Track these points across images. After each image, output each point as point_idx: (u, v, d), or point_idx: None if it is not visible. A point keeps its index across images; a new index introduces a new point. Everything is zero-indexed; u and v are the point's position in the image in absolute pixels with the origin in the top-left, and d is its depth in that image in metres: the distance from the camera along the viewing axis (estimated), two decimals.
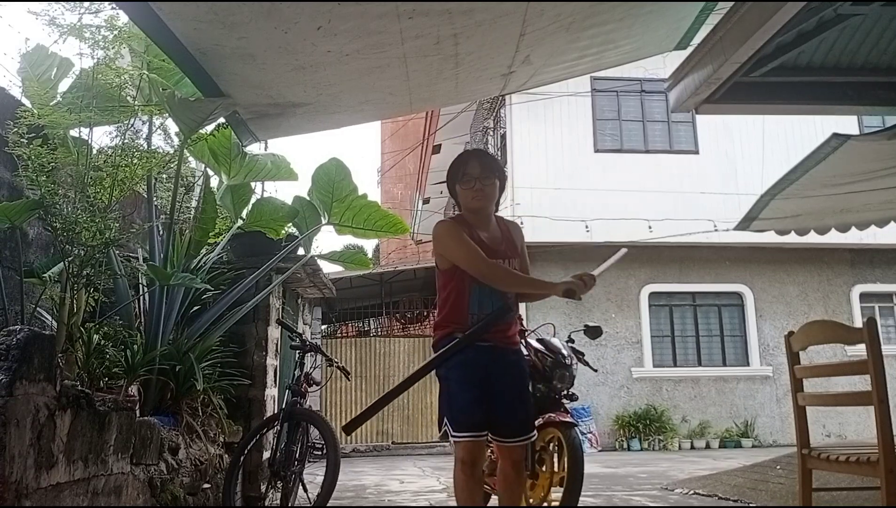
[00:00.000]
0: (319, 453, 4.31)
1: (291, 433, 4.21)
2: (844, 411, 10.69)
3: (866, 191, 4.69)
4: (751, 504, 4.46)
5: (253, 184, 5.45)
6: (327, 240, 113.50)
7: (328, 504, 3.89)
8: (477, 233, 2.70)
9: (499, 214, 2.92)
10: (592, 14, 3.18)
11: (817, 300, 11.93)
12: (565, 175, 11.28)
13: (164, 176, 5.03)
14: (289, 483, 4.20)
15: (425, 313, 14.65)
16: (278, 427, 4.22)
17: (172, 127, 4.56)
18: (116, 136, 4.04)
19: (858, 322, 10.49)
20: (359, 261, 6.18)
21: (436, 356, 2.67)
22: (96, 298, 3.70)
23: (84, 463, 2.78)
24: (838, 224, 5.34)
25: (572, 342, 3.98)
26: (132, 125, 4.10)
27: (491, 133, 12.83)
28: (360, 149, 58.52)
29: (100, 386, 3.45)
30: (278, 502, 4.28)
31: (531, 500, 3.63)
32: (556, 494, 3.52)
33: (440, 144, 14.77)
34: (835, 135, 3.95)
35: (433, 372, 2.72)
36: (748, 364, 11.67)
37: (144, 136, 4.43)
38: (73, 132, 3.96)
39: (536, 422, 3.19)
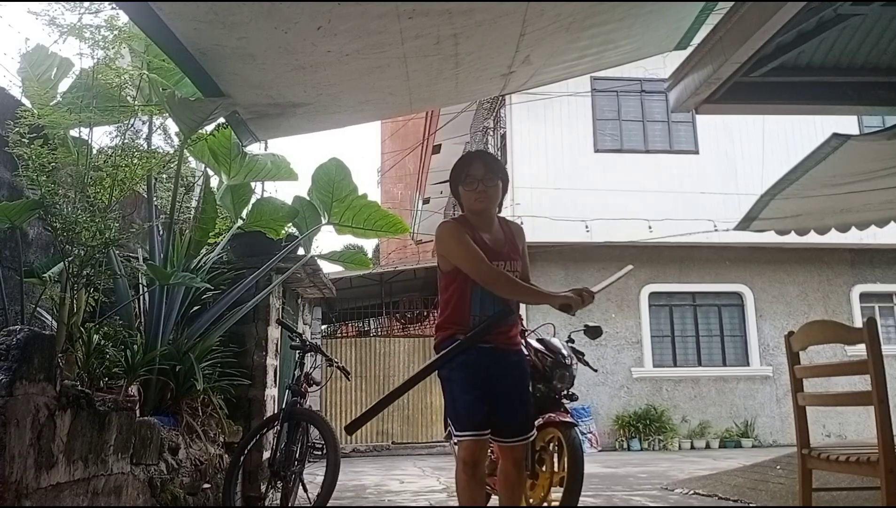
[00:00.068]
0: (319, 453, 4.31)
1: (291, 433, 4.21)
2: (844, 411, 10.69)
3: (866, 191, 4.69)
4: (751, 504, 4.46)
5: (253, 184, 5.45)
6: (327, 240, 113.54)
7: (328, 504, 3.89)
8: (479, 234, 2.70)
9: (501, 214, 2.92)
10: (592, 14, 3.18)
11: (817, 300, 11.93)
12: (565, 175, 11.28)
13: (164, 176, 5.02)
14: (289, 483, 4.20)
15: (425, 314, 14.65)
16: (278, 427, 4.22)
17: (172, 127, 4.57)
18: (116, 136, 4.04)
19: (858, 322, 10.49)
20: (359, 261, 6.18)
21: (438, 357, 2.67)
22: (96, 298, 3.71)
23: (84, 463, 2.78)
24: (838, 224, 5.34)
25: (572, 342, 3.98)
26: (132, 125, 4.10)
27: (491, 133, 12.83)
28: (360, 149, 58.56)
29: (100, 386, 3.45)
30: (278, 502, 4.28)
31: (531, 500, 3.63)
32: (556, 494, 3.52)
33: (440, 144, 14.77)
34: (835, 135, 3.95)
35: (435, 373, 2.72)
36: (748, 364, 11.67)
37: (144, 136, 4.43)
38: (73, 132, 3.96)
39: (536, 422, 3.19)
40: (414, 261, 14.72)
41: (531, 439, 2.83)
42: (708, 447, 10.99)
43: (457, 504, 2.67)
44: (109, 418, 3.03)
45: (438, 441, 11.33)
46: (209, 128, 4.37)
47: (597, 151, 11.55)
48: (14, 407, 2.25)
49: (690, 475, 6.54)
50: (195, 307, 4.66)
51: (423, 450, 11.43)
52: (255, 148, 4.93)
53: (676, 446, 10.93)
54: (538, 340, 3.88)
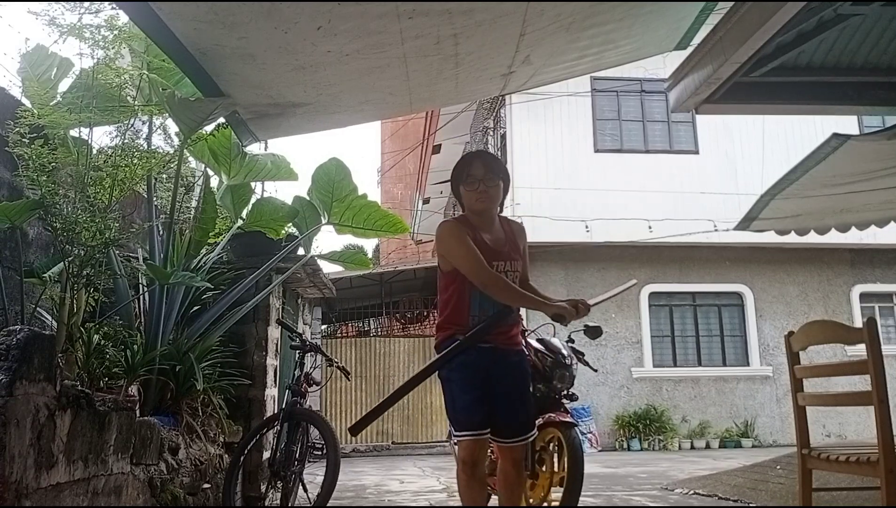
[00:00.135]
0: (319, 453, 4.31)
1: (291, 433, 4.21)
2: (844, 411, 10.69)
3: (866, 191, 4.69)
4: (751, 504, 4.46)
5: (253, 184, 5.45)
6: (327, 240, 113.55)
7: (328, 504, 3.89)
8: (480, 235, 2.70)
9: (503, 214, 2.92)
10: (592, 14, 3.18)
11: (817, 300, 11.93)
12: (565, 175, 11.28)
13: (164, 176, 5.02)
14: (289, 483, 4.20)
15: (425, 314, 14.65)
16: (278, 427, 4.22)
17: (172, 127, 4.56)
18: (116, 136, 4.04)
19: (858, 322, 10.49)
20: (359, 261, 6.18)
21: (438, 357, 2.67)
22: (96, 298, 3.70)
23: (84, 463, 2.78)
24: (838, 224, 5.34)
25: (572, 342, 3.98)
26: (132, 125, 4.10)
27: (491, 133, 12.83)
28: (360, 149, 58.57)
29: (100, 386, 3.45)
30: (278, 502, 4.28)
31: (531, 500, 3.63)
32: (556, 494, 3.52)
33: (440, 144, 14.76)
34: (835, 135, 3.95)
35: (436, 373, 2.73)
36: (748, 364, 11.67)
37: (144, 136, 4.43)
38: (73, 132, 3.95)
39: (536, 422, 3.19)
40: (414, 261, 14.72)
41: (531, 439, 2.83)
42: (708, 447, 11.00)
43: (457, 504, 2.67)
44: (109, 418, 3.03)
45: (438, 441, 11.33)
46: (209, 128, 4.37)
47: (597, 151, 11.55)
48: (14, 407, 2.25)
49: (690, 475, 6.54)
50: (195, 307, 4.66)
51: (423, 450, 11.43)
52: (255, 148, 4.93)
53: (676, 446, 10.93)
54: (538, 340, 3.88)
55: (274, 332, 5.50)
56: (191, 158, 5.17)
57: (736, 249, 11.35)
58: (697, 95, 3.76)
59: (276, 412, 4.71)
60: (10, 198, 3.74)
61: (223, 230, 5.21)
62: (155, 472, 3.58)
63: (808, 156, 4.25)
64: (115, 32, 3.81)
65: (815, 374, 3.37)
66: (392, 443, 11.76)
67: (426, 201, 17.36)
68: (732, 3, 3.28)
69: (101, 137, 4.47)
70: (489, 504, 3.40)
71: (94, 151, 3.93)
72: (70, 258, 3.52)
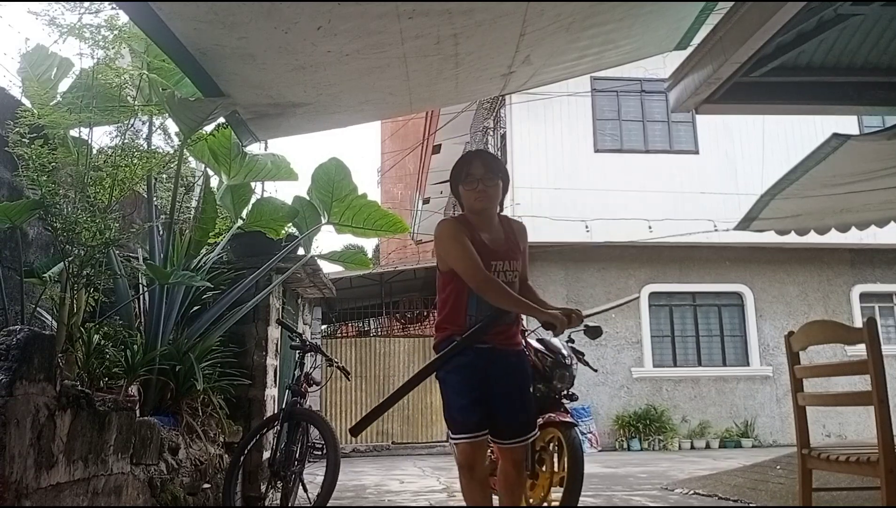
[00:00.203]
0: (319, 453, 4.31)
1: (291, 433, 4.21)
2: (844, 411, 10.69)
3: (866, 191, 4.69)
4: (751, 504, 4.46)
5: (253, 184, 5.45)
6: (327, 240, 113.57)
7: (328, 504, 3.89)
8: (478, 234, 2.68)
9: (504, 214, 2.91)
10: (592, 14, 3.18)
11: (817, 300, 11.94)
12: (565, 175, 11.29)
13: (164, 176, 5.03)
14: (289, 483, 4.20)
15: (425, 314, 14.65)
16: (278, 427, 4.22)
17: (172, 127, 4.57)
18: (116, 136, 4.04)
19: (858, 322, 10.49)
20: (359, 261, 6.18)
21: (435, 358, 2.67)
22: (96, 298, 3.70)
23: (84, 463, 2.78)
24: (838, 224, 5.34)
25: (572, 342, 3.98)
26: (132, 125, 4.10)
27: (491, 133, 12.83)
28: (360, 149, 58.57)
29: (100, 386, 3.45)
30: (278, 502, 4.28)
31: (531, 500, 3.63)
32: (556, 494, 3.52)
33: (440, 144, 14.76)
34: (835, 135, 3.95)
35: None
36: (748, 364, 11.67)
37: (144, 136, 4.43)
38: (73, 132, 3.95)
39: (537, 422, 3.19)
40: (414, 261, 14.72)
41: (532, 439, 2.82)
42: (708, 447, 11.00)
43: (457, 503, 2.67)
44: (109, 418, 3.03)
45: (438, 441, 11.34)
46: (209, 128, 4.37)
47: (597, 151, 11.56)
48: (14, 407, 2.25)
49: (690, 475, 6.54)
50: (195, 307, 4.66)
51: (423, 450, 11.43)
52: (255, 148, 4.93)
53: (676, 446, 10.93)
54: (538, 340, 3.87)
55: (274, 332, 5.51)
56: (191, 158, 5.17)
57: (736, 249, 11.35)
58: (697, 95, 3.76)
59: (276, 412, 4.71)
60: (10, 198, 3.74)
61: (223, 230, 5.22)
62: (155, 472, 3.58)
63: (808, 156, 4.25)
64: (115, 32, 3.81)
65: (815, 374, 3.37)
66: (392, 443, 11.76)
67: (426, 201, 17.36)
68: (732, 3, 3.28)
69: (101, 137, 4.49)
70: (492, 505, 3.40)
71: (94, 151, 3.93)
72: (70, 258, 3.52)
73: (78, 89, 3.87)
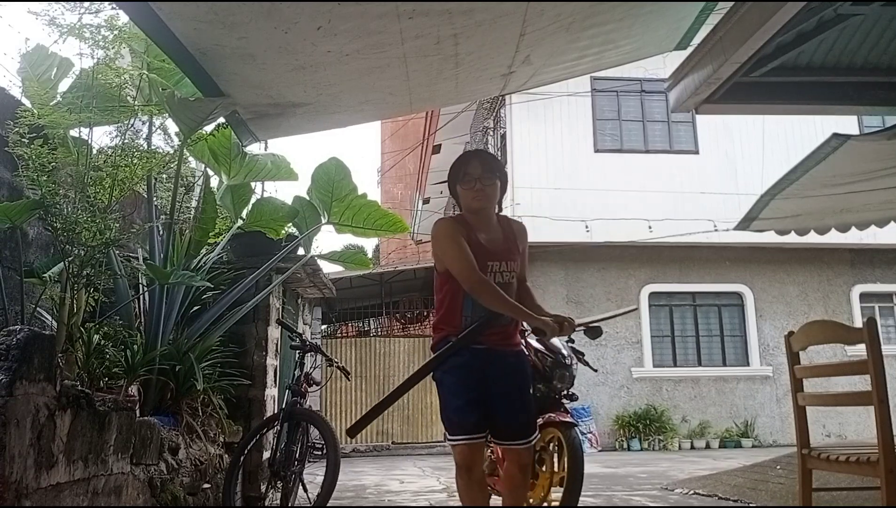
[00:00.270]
0: (319, 453, 4.31)
1: (291, 433, 4.21)
2: (844, 411, 10.69)
3: (866, 191, 4.69)
4: (751, 504, 4.46)
5: (253, 184, 5.45)
6: (327, 240, 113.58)
7: (328, 504, 3.89)
8: (475, 235, 2.67)
9: (503, 214, 2.90)
10: (592, 14, 3.18)
11: (817, 300, 11.94)
12: (565, 175, 11.29)
13: (164, 176, 5.03)
14: (289, 483, 4.20)
15: (425, 314, 14.66)
16: (278, 427, 4.22)
17: (172, 127, 4.57)
18: (116, 136, 4.04)
19: (858, 322, 10.49)
20: (359, 261, 6.18)
21: (431, 359, 2.66)
22: (96, 298, 3.70)
23: (84, 463, 2.78)
24: (838, 224, 5.34)
25: (572, 342, 3.98)
26: (132, 125, 4.10)
27: (491, 133, 12.83)
28: (360, 149, 58.59)
29: (100, 386, 3.45)
30: (278, 502, 4.28)
31: (531, 500, 3.63)
32: (556, 494, 3.52)
33: (440, 144, 14.76)
34: (835, 135, 3.95)
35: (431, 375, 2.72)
36: (748, 364, 11.67)
37: (144, 136, 4.43)
38: (73, 132, 3.95)
39: (537, 422, 3.19)
40: (414, 261, 14.72)
41: (534, 442, 2.81)
42: (708, 447, 11.00)
43: (457, 503, 2.66)
44: (109, 418, 3.03)
45: (438, 441, 11.33)
46: (209, 128, 4.37)
47: (597, 151, 11.56)
48: (14, 407, 2.25)
49: (690, 475, 6.54)
50: (195, 307, 4.66)
51: (423, 450, 11.43)
52: (255, 148, 4.93)
53: (676, 446, 10.93)
54: (538, 340, 3.87)
55: (274, 332, 5.51)
56: (191, 158, 5.17)
57: (736, 249, 11.35)
58: (697, 95, 3.76)
59: (276, 412, 4.71)
60: (10, 198, 3.74)
61: (223, 230, 5.22)
62: (155, 472, 3.58)
63: (808, 156, 4.25)
64: (115, 32, 3.81)
65: (815, 374, 3.37)
66: (392, 443, 11.76)
67: (426, 201, 17.36)
68: (732, 3, 3.28)
69: (101, 137, 4.48)
70: (490, 505, 3.40)
71: (94, 151, 3.93)
72: (70, 258, 3.52)
73: (78, 89, 3.87)
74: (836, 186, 4.62)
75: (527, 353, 3.47)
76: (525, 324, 2.77)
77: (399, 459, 10.34)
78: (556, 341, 3.88)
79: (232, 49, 2.76)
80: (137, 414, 3.56)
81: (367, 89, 3.64)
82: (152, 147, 4.43)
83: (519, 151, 11.39)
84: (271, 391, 5.41)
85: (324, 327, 13.33)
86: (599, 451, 10.57)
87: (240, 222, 5.21)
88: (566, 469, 3.40)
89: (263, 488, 4.69)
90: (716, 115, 7.11)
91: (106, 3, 3.77)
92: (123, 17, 3.75)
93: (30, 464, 2.34)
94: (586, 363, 3.96)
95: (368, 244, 21.79)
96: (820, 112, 5.46)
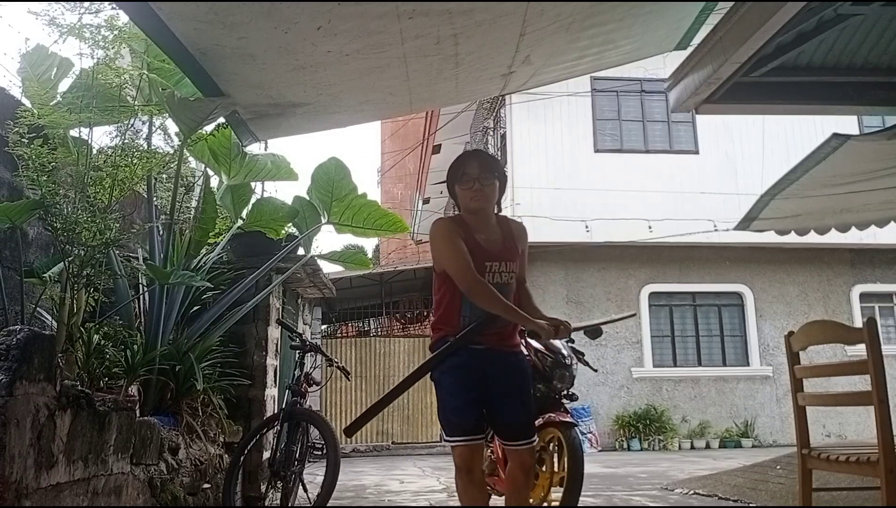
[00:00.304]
0: (319, 453, 4.31)
1: (291, 433, 4.21)
2: (844, 411, 10.69)
3: (866, 191, 4.69)
4: (751, 504, 4.46)
5: (253, 184, 5.46)
6: (327, 240, 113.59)
7: (328, 504, 3.89)
8: (473, 235, 2.66)
9: (503, 214, 2.90)
10: (592, 14, 3.18)
11: (817, 300, 11.94)
12: (565, 175, 11.29)
13: (164, 176, 5.02)
14: (289, 483, 4.20)
15: (425, 314, 14.66)
16: (278, 427, 4.22)
17: (172, 127, 4.57)
18: (116, 136, 4.04)
19: (858, 322, 10.49)
20: (359, 261, 6.18)
21: (429, 358, 2.66)
22: (96, 298, 3.70)
23: (84, 463, 2.78)
24: (838, 224, 5.34)
25: (572, 341, 3.98)
26: (132, 125, 4.10)
27: (491, 133, 12.83)
28: (360, 149, 58.60)
29: (100, 386, 3.45)
30: (278, 502, 4.28)
31: (531, 500, 3.63)
32: (556, 494, 3.52)
33: (440, 144, 14.77)
34: (835, 135, 3.95)
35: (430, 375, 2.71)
36: (748, 364, 11.67)
37: (144, 136, 4.43)
38: (73, 132, 3.95)
39: (536, 422, 3.19)
40: (414, 261, 14.72)
41: (535, 442, 2.81)
42: (708, 447, 11.00)
43: (457, 503, 2.66)
44: (109, 418, 3.03)
45: (438, 441, 11.33)
46: (209, 128, 4.37)
47: (597, 151, 11.56)
48: (14, 407, 2.25)
49: (690, 475, 6.54)
50: (195, 307, 4.66)
51: (423, 450, 11.43)
52: (255, 148, 4.93)
53: (676, 446, 10.93)
54: (538, 340, 3.87)
55: (274, 332, 5.51)
56: (191, 158, 5.17)
57: (736, 249, 11.35)
58: (697, 95, 3.76)
59: (276, 412, 4.71)
60: (10, 198, 3.74)
61: (223, 230, 5.22)
62: (155, 472, 3.59)
63: (808, 156, 4.25)
64: (115, 32, 3.81)
65: (815, 374, 3.37)
66: (392, 443, 11.77)
67: (426, 201, 17.36)
68: (732, 3, 3.28)
69: (101, 137, 4.48)
70: (489, 505, 3.40)
71: (94, 151, 3.93)
72: (70, 258, 3.52)
73: (78, 89, 3.87)
74: (836, 186, 4.62)
75: (527, 353, 3.48)
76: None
77: (399, 459, 10.35)
78: (556, 341, 3.88)
79: (232, 49, 2.76)
80: (137, 414, 3.56)
81: (367, 89, 3.64)
82: (152, 147, 4.43)
83: (519, 151, 11.39)
84: (271, 391, 5.41)
85: (324, 327, 13.33)
86: (599, 451, 10.57)
87: (240, 222, 5.21)
88: (566, 469, 3.40)
89: (263, 488, 4.69)
90: (716, 115, 7.11)
91: (106, 3, 3.77)
92: (123, 17, 3.75)
93: (30, 464, 2.34)
94: (586, 363, 3.96)
95: (368, 244, 21.81)
96: (820, 112, 5.46)
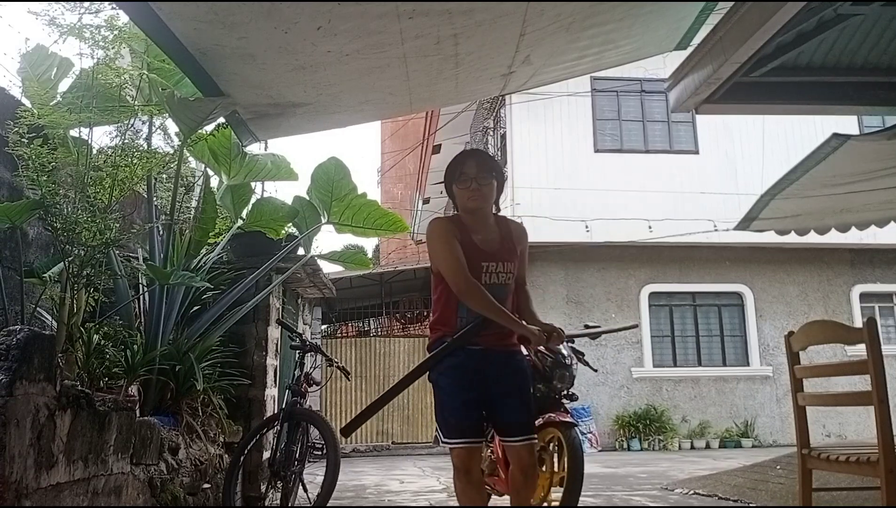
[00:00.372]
0: (319, 453, 4.31)
1: (291, 433, 4.21)
2: (844, 411, 10.69)
3: (866, 191, 4.69)
4: (751, 504, 4.46)
5: (253, 184, 5.46)
6: (327, 240, 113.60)
7: (328, 504, 3.89)
8: (470, 235, 2.64)
9: (502, 214, 2.89)
10: (592, 14, 3.18)
11: (817, 300, 11.94)
12: (565, 175, 11.29)
13: (164, 176, 5.03)
14: (289, 483, 4.20)
15: (425, 314, 14.66)
16: (278, 427, 4.22)
17: (172, 127, 4.56)
18: (116, 136, 4.04)
19: (858, 322, 10.49)
20: (359, 261, 6.18)
21: (427, 359, 2.65)
22: (96, 298, 3.70)
23: (84, 463, 2.78)
24: (838, 224, 5.34)
25: (572, 341, 3.98)
26: (132, 125, 4.10)
27: (491, 133, 12.83)
28: (360, 149, 58.61)
29: (100, 386, 3.45)
30: (278, 502, 4.28)
31: (531, 500, 3.63)
32: (556, 494, 3.52)
33: (440, 144, 14.77)
34: (835, 135, 3.95)
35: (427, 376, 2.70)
36: (748, 364, 11.67)
37: (144, 136, 4.43)
38: (73, 132, 3.96)
39: (536, 422, 3.19)
40: (414, 261, 14.73)
41: (534, 440, 2.80)
42: (708, 447, 11.00)
43: (457, 503, 2.66)
44: (109, 418, 3.03)
45: (435, 443, 11.32)
46: (209, 128, 4.37)
47: (597, 151, 11.56)
48: (14, 407, 2.25)
49: (690, 475, 6.54)
50: (195, 307, 4.66)
51: (423, 450, 11.43)
52: (255, 148, 4.93)
53: (676, 446, 10.93)
54: None
55: (274, 332, 5.51)
56: (191, 158, 5.18)
57: (736, 249, 11.35)
58: (697, 95, 3.76)
59: (276, 412, 4.71)
60: (10, 198, 3.74)
61: (223, 230, 5.22)
62: (155, 472, 3.59)
63: (808, 156, 4.25)
64: (115, 32, 3.81)
65: (815, 374, 3.37)
66: (392, 443, 11.77)
67: (426, 201, 17.36)
68: (732, 3, 3.28)
69: (101, 137, 4.48)
70: (489, 505, 3.40)
71: (94, 151, 3.93)
72: (70, 258, 3.52)
73: (78, 89, 3.87)
74: (836, 186, 4.62)
75: (526, 353, 3.48)
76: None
77: (399, 459, 10.35)
78: None
79: (232, 49, 2.76)
80: (137, 414, 3.56)
81: (367, 89, 3.64)
82: (152, 147, 4.43)
83: (519, 151, 11.39)
84: (271, 391, 5.41)
85: (324, 327, 13.33)
86: (599, 451, 10.57)
87: (240, 222, 5.22)
88: (566, 469, 3.40)
89: (263, 488, 4.69)
90: (716, 115, 7.11)
91: (106, 3, 3.77)
92: (123, 17, 3.76)
93: (30, 464, 2.34)
94: (586, 363, 3.95)
95: (368, 244, 21.82)
96: (820, 112, 5.45)
